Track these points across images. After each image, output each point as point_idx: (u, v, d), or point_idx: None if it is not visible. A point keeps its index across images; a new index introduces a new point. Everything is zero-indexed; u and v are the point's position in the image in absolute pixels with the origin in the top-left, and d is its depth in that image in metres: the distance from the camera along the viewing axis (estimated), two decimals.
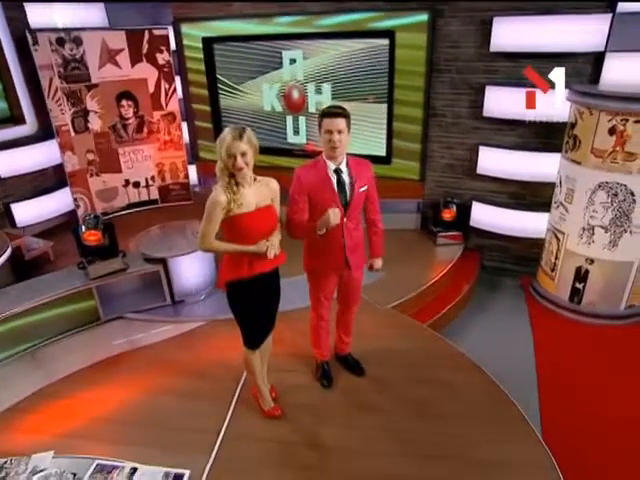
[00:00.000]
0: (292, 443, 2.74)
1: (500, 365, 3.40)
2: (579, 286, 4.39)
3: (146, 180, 6.16)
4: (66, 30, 5.28)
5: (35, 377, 3.39)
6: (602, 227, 4.11)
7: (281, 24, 5.34)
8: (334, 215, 2.42)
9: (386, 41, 4.90)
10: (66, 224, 5.75)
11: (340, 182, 2.63)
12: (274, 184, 2.50)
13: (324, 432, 2.80)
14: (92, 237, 3.75)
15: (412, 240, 5.35)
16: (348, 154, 2.66)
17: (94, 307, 3.91)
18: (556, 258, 4.52)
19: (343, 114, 2.49)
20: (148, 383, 3.25)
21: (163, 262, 3.96)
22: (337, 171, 2.63)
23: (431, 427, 2.80)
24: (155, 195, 6.25)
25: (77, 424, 2.94)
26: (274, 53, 5.52)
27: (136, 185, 6.13)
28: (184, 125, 6.26)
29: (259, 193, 2.41)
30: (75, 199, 5.71)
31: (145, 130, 5.96)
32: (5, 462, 2.00)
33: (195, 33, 5.87)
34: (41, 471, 1.94)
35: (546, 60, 4.37)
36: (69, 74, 5.39)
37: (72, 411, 3.05)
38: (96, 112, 5.67)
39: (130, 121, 5.87)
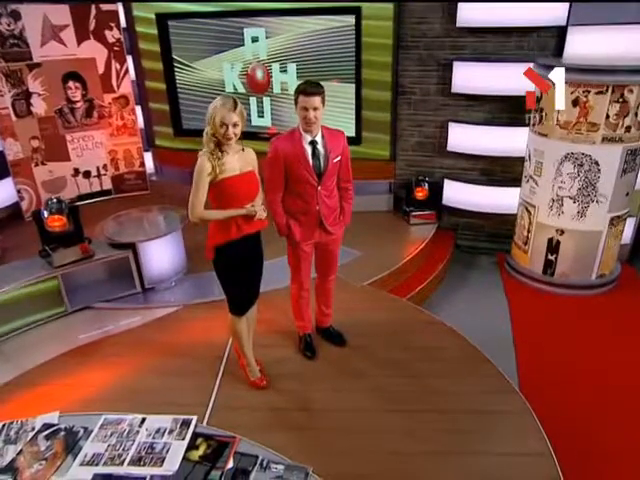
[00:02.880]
0: (281, 409, 3.16)
1: (477, 334, 3.91)
2: (551, 258, 5.01)
3: (97, 169, 6.41)
4: (1, 2, 5.42)
5: (3, 369, 3.65)
6: (570, 197, 4.74)
7: None
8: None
9: (352, 18, 5.39)
10: (9, 218, 5.94)
11: (315, 153, 3.11)
12: (253, 154, 2.97)
13: (312, 397, 3.24)
14: (57, 222, 4.04)
15: (385, 221, 5.89)
16: (322, 126, 3.13)
17: (59, 297, 4.19)
18: (528, 231, 5.14)
19: (318, 92, 2.96)
20: (128, 365, 3.60)
21: (132, 247, 4.29)
22: (312, 143, 3.10)
23: (413, 385, 3.31)
24: (108, 185, 6.52)
25: (56, 408, 3.23)
26: (235, 31, 5.91)
27: (87, 175, 6.37)
28: (138, 109, 6.55)
29: (242, 160, 2.86)
30: (19, 190, 5.88)
31: (95, 114, 6.22)
32: (11, 423, 2.32)
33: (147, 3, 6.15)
34: (50, 427, 2.29)
35: (510, 34, 5.01)
36: (7, 51, 5.54)
37: (49, 397, 3.33)
38: (40, 94, 5.86)
39: (78, 105, 6.12)
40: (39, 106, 5.90)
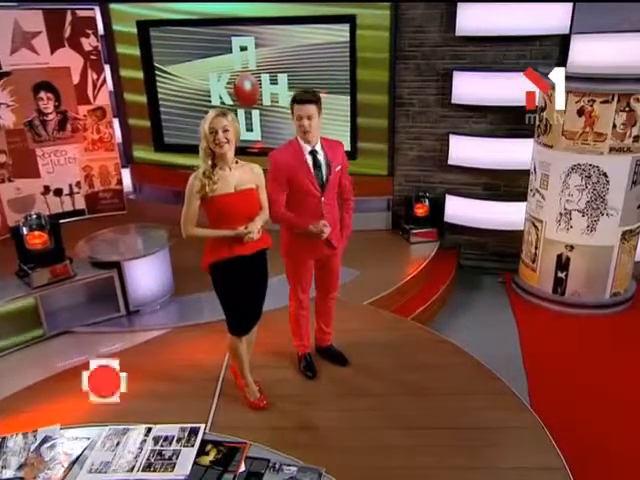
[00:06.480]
0: (282, 428, 3.41)
1: (485, 356, 4.21)
2: (561, 275, 5.37)
3: (70, 187, 6.69)
4: None
5: None
6: (579, 211, 5.12)
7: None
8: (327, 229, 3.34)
9: (346, 27, 5.80)
10: None
11: (316, 163, 3.45)
12: (258, 169, 3.25)
13: (314, 416, 3.51)
14: (37, 240, 4.29)
15: (384, 240, 6.26)
16: (321, 136, 3.48)
17: (37, 321, 4.41)
18: (536, 248, 5.51)
19: (313, 100, 3.30)
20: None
21: (117, 267, 4.55)
22: (313, 152, 3.44)
23: (419, 403, 3.60)
24: (82, 204, 6.78)
25: None
26: (222, 43, 6.28)
27: (58, 193, 6.63)
28: (116, 122, 6.87)
29: (240, 176, 3.13)
30: None
31: (69, 128, 6.53)
32: (12, 435, 2.55)
33: (127, 10, 6.50)
34: (53, 438, 2.52)
35: (512, 43, 5.46)
36: None
37: (35, 423, 3.51)
38: (8, 105, 6.15)
39: (50, 117, 6.42)
40: (7, 118, 6.18)
